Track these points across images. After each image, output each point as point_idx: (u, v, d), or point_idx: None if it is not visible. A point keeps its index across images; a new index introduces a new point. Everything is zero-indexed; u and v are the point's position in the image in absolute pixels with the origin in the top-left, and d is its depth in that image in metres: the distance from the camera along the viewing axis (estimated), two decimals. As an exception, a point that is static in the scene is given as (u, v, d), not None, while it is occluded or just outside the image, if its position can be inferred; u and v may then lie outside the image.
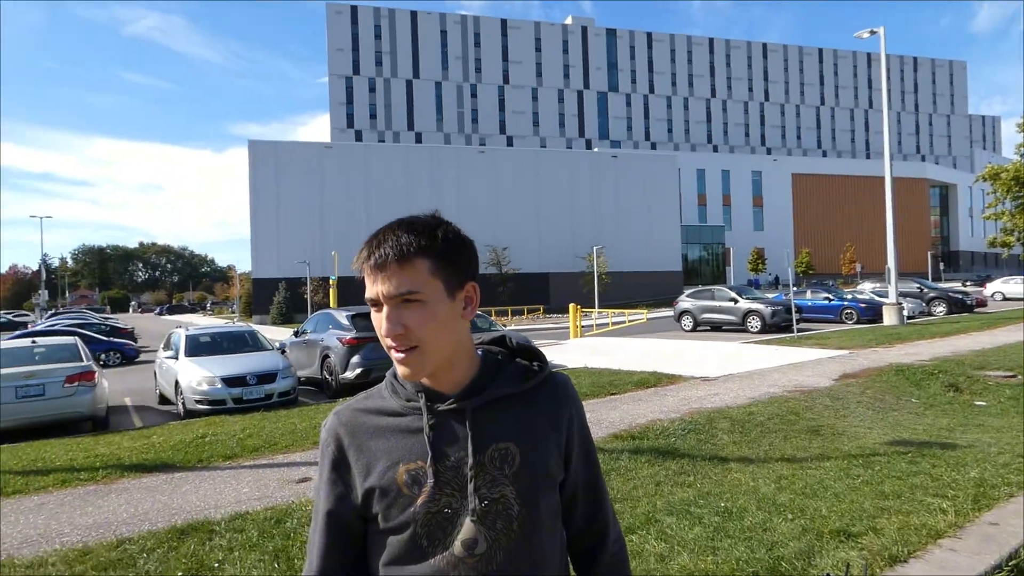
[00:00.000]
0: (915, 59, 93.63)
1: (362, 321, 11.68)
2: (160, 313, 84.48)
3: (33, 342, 10.35)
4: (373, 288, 1.01)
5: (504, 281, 43.87)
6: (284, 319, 39.20)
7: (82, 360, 9.61)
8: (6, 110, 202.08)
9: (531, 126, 77.66)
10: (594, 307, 30.85)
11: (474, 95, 76.04)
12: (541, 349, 1.18)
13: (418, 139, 72.39)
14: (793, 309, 17.75)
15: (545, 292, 47.38)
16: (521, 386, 1.10)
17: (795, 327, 17.49)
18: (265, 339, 11.83)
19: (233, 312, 62.65)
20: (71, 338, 11.15)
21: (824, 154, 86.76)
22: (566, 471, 1.13)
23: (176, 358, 10.52)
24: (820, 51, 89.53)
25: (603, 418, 7.45)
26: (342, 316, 11.89)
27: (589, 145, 76.77)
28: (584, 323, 26.12)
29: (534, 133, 77.46)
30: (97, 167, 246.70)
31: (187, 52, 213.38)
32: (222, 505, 5.00)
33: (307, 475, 5.81)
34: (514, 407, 1.09)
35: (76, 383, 8.98)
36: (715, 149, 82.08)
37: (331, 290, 31.41)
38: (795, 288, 19.52)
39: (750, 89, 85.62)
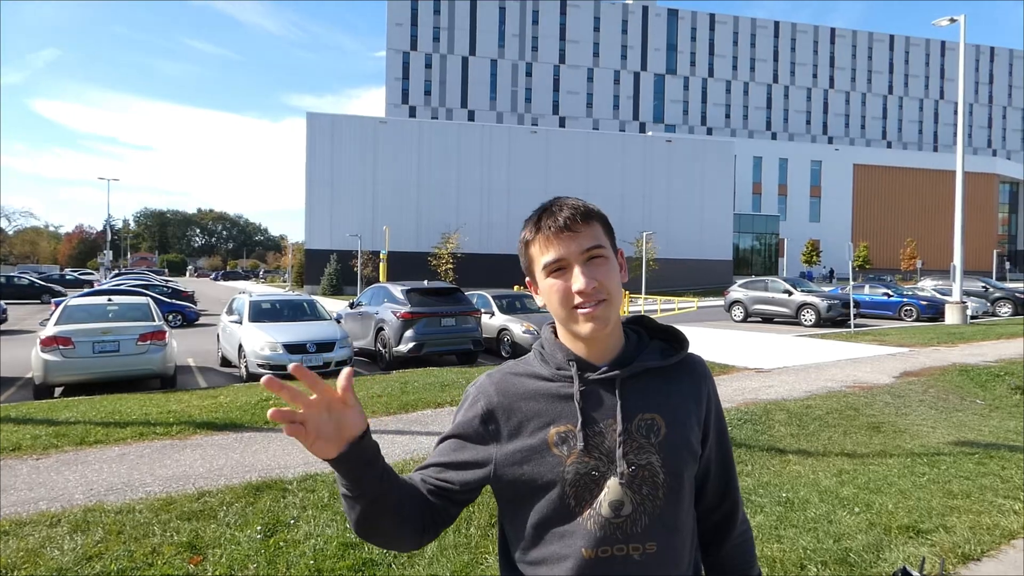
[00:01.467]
0: (992, 48, 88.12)
1: (417, 296, 11.89)
2: (216, 278, 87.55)
3: (108, 300, 10.92)
4: (559, 251, 1.08)
5: (550, 263, 43.75)
6: (335, 290, 40.12)
7: (154, 320, 10.11)
8: (78, 73, 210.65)
9: (584, 107, 76.61)
10: (641, 293, 30.56)
11: (529, 74, 75.39)
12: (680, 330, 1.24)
13: (471, 117, 72.37)
14: (851, 304, 17.20)
15: None
16: (665, 361, 1.15)
17: (852, 322, 16.97)
18: (324, 309, 12.18)
19: (285, 281, 64.46)
20: (143, 298, 11.72)
21: (889, 145, 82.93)
22: (703, 447, 1.17)
23: (240, 323, 10.95)
24: (891, 37, 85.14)
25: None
26: (397, 290, 12.13)
27: (643, 128, 75.35)
28: (631, 309, 25.92)
29: (587, 115, 76.42)
30: (159, 133, 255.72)
31: (248, 21, 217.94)
32: (291, 466, 5.24)
33: (368, 441, 6.01)
34: (658, 381, 1.13)
35: (148, 341, 9.46)
36: (773, 137, 79.43)
37: (381, 264, 31.97)
38: (853, 282, 18.88)
39: (814, 76, 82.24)
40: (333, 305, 22.16)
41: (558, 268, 1.08)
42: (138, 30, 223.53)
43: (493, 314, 13.67)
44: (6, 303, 21.83)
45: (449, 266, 38.16)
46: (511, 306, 14.07)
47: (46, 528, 3.90)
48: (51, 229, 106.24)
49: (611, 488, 1.06)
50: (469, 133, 49.46)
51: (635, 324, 1.23)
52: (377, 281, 28.18)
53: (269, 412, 0.91)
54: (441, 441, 1.17)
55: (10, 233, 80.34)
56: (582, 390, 1.10)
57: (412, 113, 71.54)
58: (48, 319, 10.40)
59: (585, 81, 76.57)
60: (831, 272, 56.56)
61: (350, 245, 41.13)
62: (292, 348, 10.00)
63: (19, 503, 4.41)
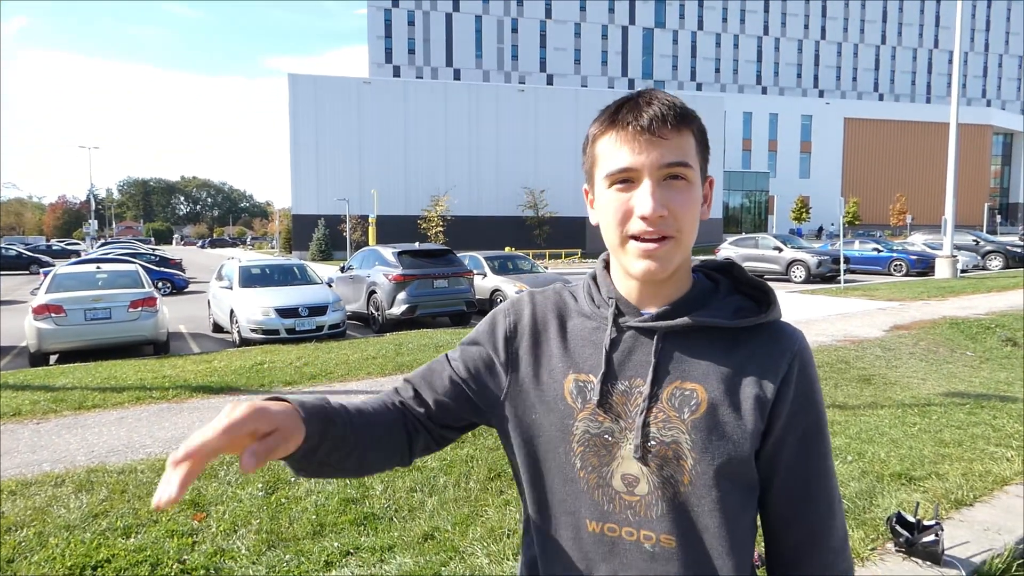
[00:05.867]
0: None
1: (408, 259, 11.84)
2: (203, 246, 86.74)
3: (98, 268, 10.79)
4: (631, 156, 0.83)
5: (540, 224, 43.65)
6: (323, 256, 39.87)
7: (144, 287, 10.02)
8: (58, 43, 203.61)
9: (572, 64, 75.24)
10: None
11: (515, 30, 73.70)
12: (775, 291, 0.95)
13: (456, 76, 70.95)
14: (842, 259, 17.31)
15: (582, 236, 47.00)
16: (731, 321, 0.89)
17: (842, 278, 17.11)
18: (315, 273, 12.12)
19: (273, 247, 63.97)
20: (132, 265, 11.58)
21: (880, 97, 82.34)
22: (763, 440, 0.89)
23: (231, 288, 10.87)
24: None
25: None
26: (389, 253, 12.06)
27: (632, 85, 74.27)
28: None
29: (575, 72, 75.11)
30: (140, 97, 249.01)
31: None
32: (290, 426, 5.27)
33: (365, 402, 6.05)
34: (716, 346, 0.89)
35: (140, 308, 9.40)
36: (764, 91, 78.55)
37: (370, 228, 31.69)
38: (843, 238, 18.97)
39: (806, 27, 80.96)
40: (323, 270, 22.06)
41: (624, 179, 0.85)
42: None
43: (486, 275, 13.66)
44: (-7, 274, 21.56)
45: (439, 229, 37.96)
46: (503, 267, 14.06)
47: (51, 488, 3.93)
48: (35, 200, 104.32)
49: (624, 459, 0.88)
50: (456, 92, 48.54)
51: (719, 271, 0.99)
52: (366, 245, 27.96)
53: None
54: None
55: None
56: (613, 336, 0.91)
57: (396, 73, 70.00)
58: (39, 288, 10.29)
59: (572, 37, 75.01)
60: (820, 228, 56.80)
61: (338, 210, 40.68)
62: (284, 312, 9.96)
63: (23, 465, 4.43)
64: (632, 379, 0.89)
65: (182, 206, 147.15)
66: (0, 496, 3.84)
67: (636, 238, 0.85)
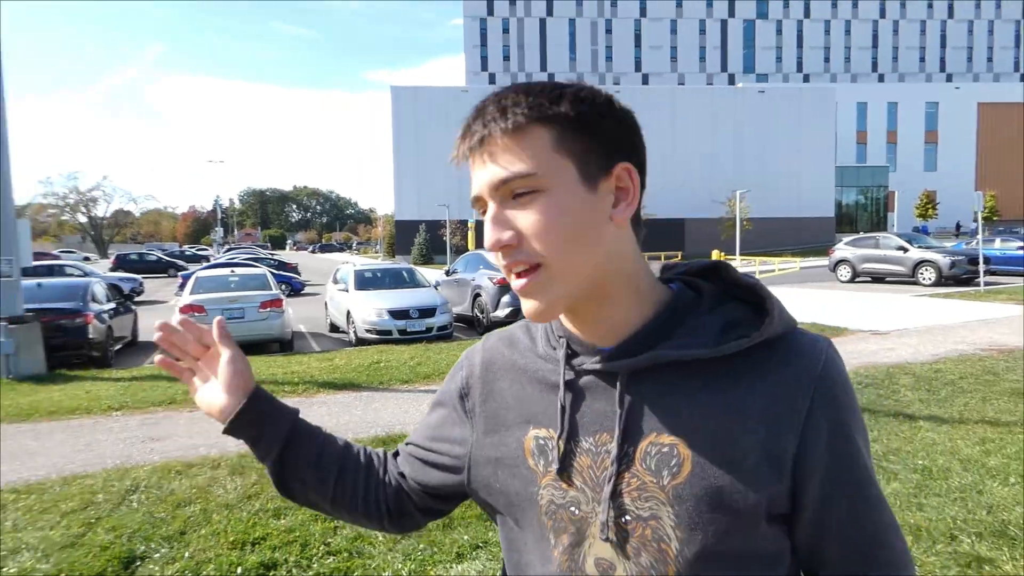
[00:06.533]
0: None
1: (512, 261, 12.07)
2: (313, 251, 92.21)
3: (231, 272, 11.80)
4: (474, 182, 0.69)
5: (638, 225, 42.93)
6: (424, 260, 41.29)
7: (271, 289, 10.86)
8: (190, 67, 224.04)
9: (668, 61, 73.48)
10: (735, 255, 29.43)
11: (608, 31, 73.03)
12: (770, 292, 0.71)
13: (552, 77, 71.25)
14: (981, 259, 15.77)
15: (679, 239, 45.77)
16: (715, 348, 0.67)
17: (981, 280, 15.59)
18: (423, 276, 12.61)
19: (376, 252, 66.93)
20: (261, 269, 12.55)
21: (1023, 78, 74.24)
22: (795, 505, 0.68)
23: (347, 291, 11.53)
24: (1025, -45, 75.43)
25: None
26: (493, 257, 12.32)
27: (732, 80, 71.43)
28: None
29: (672, 69, 73.29)
30: (258, 113, 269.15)
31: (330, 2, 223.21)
32: (411, 422, 5.52)
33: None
34: (700, 382, 0.68)
35: (268, 309, 10.19)
36: (880, 79, 73.05)
37: (470, 233, 32.49)
38: (982, 236, 17.28)
39: (929, 5, 74.49)
40: (426, 274, 22.84)
41: (483, 209, 0.69)
42: (236, 20, 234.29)
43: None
44: (141, 277, 24.09)
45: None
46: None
47: (210, 470, 4.36)
48: (168, 210, 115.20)
49: (596, 539, 0.69)
50: (552, 96, 48.66)
51: (703, 275, 0.76)
52: (467, 250, 28.66)
53: (157, 359, 0.85)
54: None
55: (137, 215, 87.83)
56: (569, 381, 0.72)
57: (492, 80, 71.31)
58: (182, 288, 11.39)
59: (668, 34, 73.24)
60: (958, 226, 52.02)
61: (438, 215, 41.98)
62: (396, 314, 10.43)
63: (183, 448, 4.95)
64: (597, 435, 0.70)
65: (294, 213, 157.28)
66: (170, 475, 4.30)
67: (507, 269, 0.68)
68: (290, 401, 5.11)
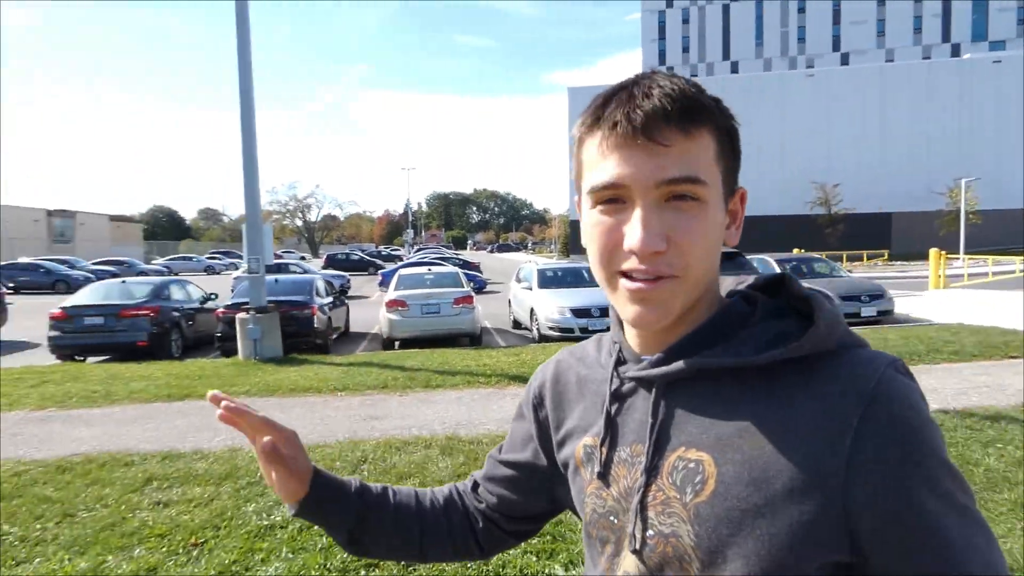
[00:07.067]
0: None
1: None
2: (491, 251, 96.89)
3: (428, 270, 12.90)
4: (620, 167, 0.62)
5: (833, 222, 39.10)
6: (598, 258, 41.41)
7: (463, 286, 11.68)
8: (389, 83, 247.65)
9: (874, 37, 65.76)
10: (959, 252, 25.54)
11: (801, 10, 67.24)
12: (830, 301, 0.67)
13: (733, 69, 67.45)
14: None
15: (885, 235, 40.92)
16: (747, 358, 0.63)
17: None
18: (602, 275, 12.73)
19: (551, 251, 68.46)
20: (453, 268, 13.56)
21: None
22: (855, 549, 0.58)
23: (530, 289, 12.02)
24: None
25: (1006, 383, 6.27)
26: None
27: (956, 52, 61.93)
28: (948, 272, 21.86)
29: (877, 46, 65.50)
30: (443, 122, 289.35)
31: (506, 8, 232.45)
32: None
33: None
34: (735, 395, 0.64)
35: (461, 305, 11.00)
36: None
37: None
38: None
39: None
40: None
41: (612, 199, 0.64)
42: (421, 34, 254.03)
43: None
44: (348, 274, 27.21)
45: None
46: (797, 271, 13.12)
47: (423, 449, 4.87)
48: (367, 213, 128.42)
49: (627, 551, 0.68)
50: (730, 86, 46.17)
51: (763, 289, 0.72)
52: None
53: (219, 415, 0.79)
54: None
55: (342, 219, 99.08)
56: (615, 391, 0.73)
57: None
58: (383, 285, 12.70)
59: (875, 6, 65.49)
60: None
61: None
62: (578, 312, 10.66)
63: (398, 427, 5.58)
64: (633, 445, 0.69)
65: (474, 215, 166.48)
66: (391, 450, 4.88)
67: (626, 275, 0.64)
68: (485, 391, 5.54)
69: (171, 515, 3.78)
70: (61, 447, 5.25)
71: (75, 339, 10.41)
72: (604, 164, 0.63)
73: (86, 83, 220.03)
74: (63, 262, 32.79)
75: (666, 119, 0.60)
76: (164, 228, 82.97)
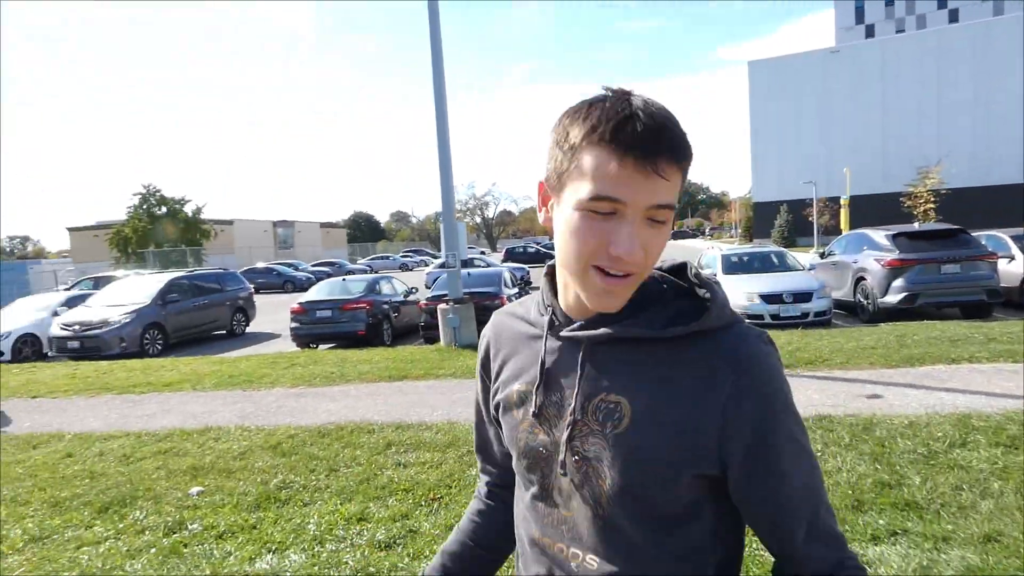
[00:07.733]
0: None
1: (906, 241, 10.63)
2: (671, 238, 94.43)
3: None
4: (625, 190, 0.73)
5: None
6: (786, 242, 38.45)
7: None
8: (551, 78, 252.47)
9: None
10: None
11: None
12: (719, 286, 0.86)
13: (953, 17, 58.22)
14: None
15: (1020, 207, 32.90)
16: (655, 331, 0.81)
17: None
18: (795, 259, 12.02)
19: (732, 236, 64.93)
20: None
21: None
22: (725, 468, 0.80)
23: (714, 275, 11.71)
24: None
25: None
26: (881, 236, 11.02)
27: None
28: None
29: None
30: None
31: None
32: (802, 402, 5.49)
33: (876, 392, 5.80)
34: (648, 358, 0.82)
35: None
36: None
37: (842, 211, 29.07)
38: None
39: None
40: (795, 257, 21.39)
41: (608, 210, 0.75)
42: (578, 27, 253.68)
43: (1013, 258, 11.09)
44: (527, 266, 28.45)
45: (929, 206, 32.05)
46: (1041, 247, 11.14)
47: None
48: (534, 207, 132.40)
49: (557, 475, 0.87)
50: (953, 39, 40.01)
51: (673, 273, 0.90)
52: (836, 230, 25.76)
53: None
54: None
55: (516, 214, 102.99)
56: (549, 346, 0.90)
57: (870, 33, 61.79)
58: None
59: None
60: None
61: (801, 194, 38.65)
62: (769, 298, 10.20)
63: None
64: (563, 391, 0.87)
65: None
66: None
67: (600, 270, 0.78)
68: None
69: (410, 475, 4.46)
70: (315, 417, 6.34)
71: (310, 329, 12.28)
72: (610, 180, 0.73)
73: (308, 107, 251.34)
74: (290, 265, 38.26)
75: (670, 158, 0.74)
76: (363, 231, 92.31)
